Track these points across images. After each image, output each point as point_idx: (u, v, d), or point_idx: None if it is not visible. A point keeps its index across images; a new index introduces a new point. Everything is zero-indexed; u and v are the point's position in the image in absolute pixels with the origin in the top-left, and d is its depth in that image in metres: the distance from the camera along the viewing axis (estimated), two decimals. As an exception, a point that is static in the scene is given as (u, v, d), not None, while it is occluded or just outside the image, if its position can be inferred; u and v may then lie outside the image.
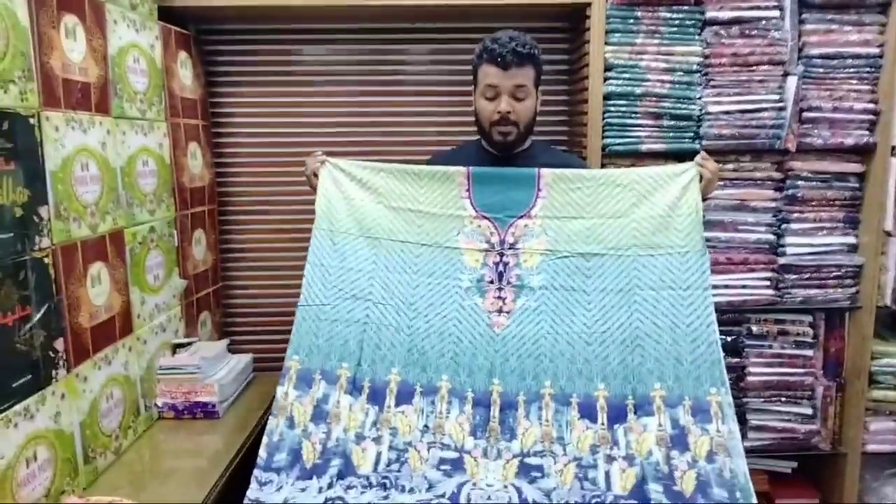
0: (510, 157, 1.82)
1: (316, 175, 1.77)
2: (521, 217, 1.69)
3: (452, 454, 1.52)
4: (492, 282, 1.66)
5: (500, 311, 1.64)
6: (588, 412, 1.54)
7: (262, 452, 1.54)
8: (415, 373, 1.62)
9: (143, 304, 1.87)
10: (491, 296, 1.65)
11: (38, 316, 1.39)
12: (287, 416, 1.58)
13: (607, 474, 1.47)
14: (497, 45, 1.69)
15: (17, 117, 1.34)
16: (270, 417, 1.59)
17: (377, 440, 1.54)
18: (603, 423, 1.53)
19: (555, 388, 1.57)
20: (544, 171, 1.70)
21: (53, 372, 1.43)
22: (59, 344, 1.46)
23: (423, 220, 1.71)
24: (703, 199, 1.65)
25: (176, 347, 2.02)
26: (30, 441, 1.34)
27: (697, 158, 1.66)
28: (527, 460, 1.50)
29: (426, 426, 1.56)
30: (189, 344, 2.04)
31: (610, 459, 1.48)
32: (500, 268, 1.67)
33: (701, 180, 1.64)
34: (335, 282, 1.70)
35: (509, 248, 1.68)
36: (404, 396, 1.60)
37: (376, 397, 1.60)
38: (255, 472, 1.51)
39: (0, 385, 1.27)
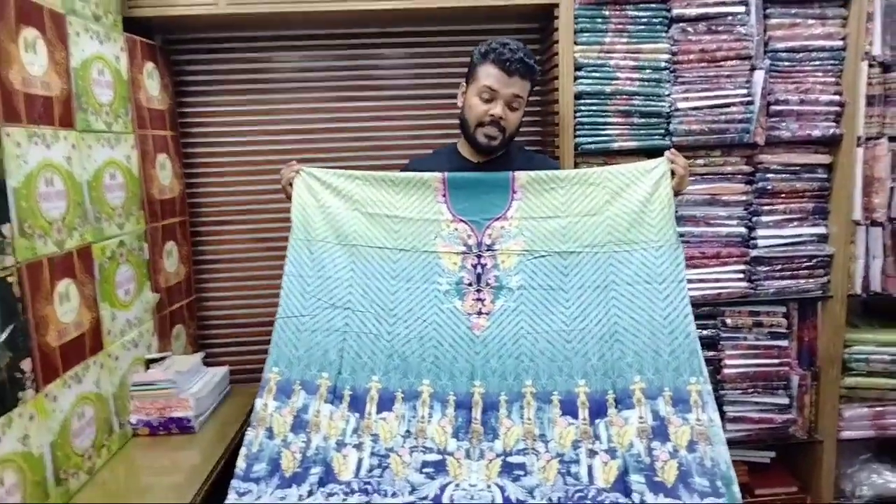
0: (485, 163, 1.83)
1: (291, 184, 1.76)
2: (498, 219, 1.70)
3: (435, 457, 1.52)
4: (470, 284, 1.67)
5: (479, 312, 1.65)
6: (569, 408, 1.55)
7: (241, 463, 1.53)
8: (396, 379, 1.61)
9: (114, 320, 1.84)
10: (470, 298, 1.66)
11: (4, 337, 1.35)
12: (266, 427, 1.57)
13: (590, 468, 1.48)
14: (506, 50, 1.69)
15: (-26, 134, 1.31)
16: (248, 429, 1.58)
17: (358, 447, 1.53)
18: (584, 419, 1.54)
19: (536, 386, 1.58)
20: (518, 173, 1.72)
21: (20, 393, 1.40)
22: (26, 364, 1.43)
23: (400, 226, 1.72)
24: (676, 195, 1.67)
25: (149, 362, 1.99)
26: (-2, 465, 1.31)
27: (668, 154, 1.68)
28: (509, 459, 1.50)
29: (408, 431, 1.56)
30: (163, 359, 2.01)
31: (592, 454, 1.50)
32: (479, 269, 1.68)
33: (673, 177, 1.66)
34: (314, 291, 1.69)
35: (487, 250, 1.68)
36: (385, 403, 1.59)
37: (357, 405, 1.59)
38: (234, 482, 1.49)
39: (-35, 409, 1.24)
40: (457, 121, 1.82)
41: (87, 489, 1.62)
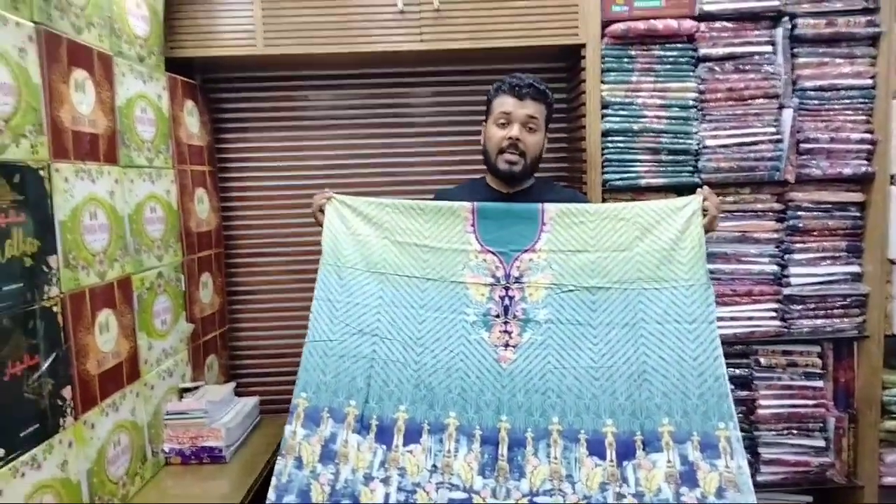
0: (514, 194, 1.86)
1: (322, 211, 1.81)
2: (526, 251, 1.71)
3: (461, 495, 1.52)
4: (497, 315, 1.67)
5: (506, 345, 1.65)
6: (597, 448, 1.54)
7: (271, 494, 1.55)
8: (422, 410, 1.62)
9: (151, 350, 1.89)
10: (497, 329, 1.67)
11: (47, 364, 1.40)
12: (295, 457, 1.59)
13: None
14: (515, 79, 1.79)
15: (27, 170, 1.38)
16: (279, 458, 1.60)
17: (385, 481, 1.54)
18: (612, 460, 1.52)
19: (563, 424, 1.57)
20: (548, 205, 1.72)
21: (61, 420, 1.44)
22: (66, 392, 1.47)
23: (429, 255, 1.73)
24: (706, 234, 1.65)
25: (183, 392, 2.03)
26: (36, 491, 1.35)
27: (704, 192, 1.66)
28: (536, 500, 1.49)
29: (434, 466, 1.55)
30: (196, 388, 2.05)
31: (619, 497, 1.48)
32: (506, 301, 1.68)
33: (705, 215, 1.65)
34: (342, 317, 1.72)
35: (514, 282, 1.69)
36: (412, 435, 1.60)
37: (384, 436, 1.60)
38: None
39: (8, 435, 1.28)
40: (482, 156, 1.87)
41: (120, 517, 1.65)
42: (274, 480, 1.56)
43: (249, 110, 2.52)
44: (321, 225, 1.80)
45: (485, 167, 1.89)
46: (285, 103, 2.52)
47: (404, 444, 1.59)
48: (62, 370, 1.46)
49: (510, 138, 1.76)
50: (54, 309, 1.44)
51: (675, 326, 1.60)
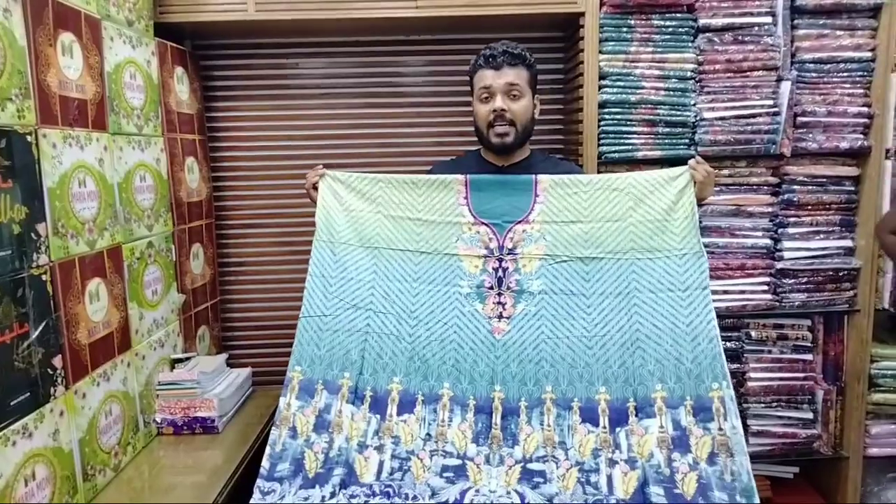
0: (509, 167, 1.84)
1: (315, 188, 1.80)
2: (520, 222, 1.70)
3: (455, 461, 1.52)
4: (491, 287, 1.68)
5: (500, 316, 1.65)
6: (590, 416, 1.55)
7: (265, 462, 1.55)
8: (416, 381, 1.63)
9: (142, 320, 1.87)
10: (491, 301, 1.67)
11: (37, 333, 1.38)
12: (290, 427, 1.60)
13: (609, 478, 1.47)
14: (488, 49, 1.77)
15: (14, 135, 1.35)
16: (273, 428, 1.60)
17: (379, 449, 1.55)
18: (605, 427, 1.53)
19: (556, 392, 1.58)
20: (541, 176, 1.72)
21: (52, 389, 1.43)
22: (57, 361, 1.45)
23: (422, 228, 1.73)
24: (700, 203, 1.66)
25: (174, 362, 2.02)
26: (28, 459, 1.34)
27: (691, 162, 1.67)
28: (529, 466, 1.51)
29: (428, 434, 1.57)
30: (187, 359, 2.04)
31: (612, 463, 1.49)
32: (500, 273, 1.68)
33: (695, 184, 1.65)
34: (336, 292, 1.71)
35: (508, 254, 1.69)
36: (406, 405, 1.60)
37: (378, 406, 1.61)
38: (258, 482, 1.51)
39: (-2, 403, 1.27)
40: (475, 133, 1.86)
41: (113, 486, 1.64)
42: (268, 450, 1.56)
43: (240, 78, 2.48)
44: (315, 202, 1.79)
45: (480, 143, 1.88)
46: (277, 71, 2.48)
47: (398, 414, 1.59)
48: (52, 339, 1.44)
49: (495, 111, 1.74)
50: (43, 277, 1.42)
51: (669, 295, 1.61)
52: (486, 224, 1.71)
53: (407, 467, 1.52)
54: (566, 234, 1.68)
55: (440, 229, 1.72)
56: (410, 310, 1.68)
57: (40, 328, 1.39)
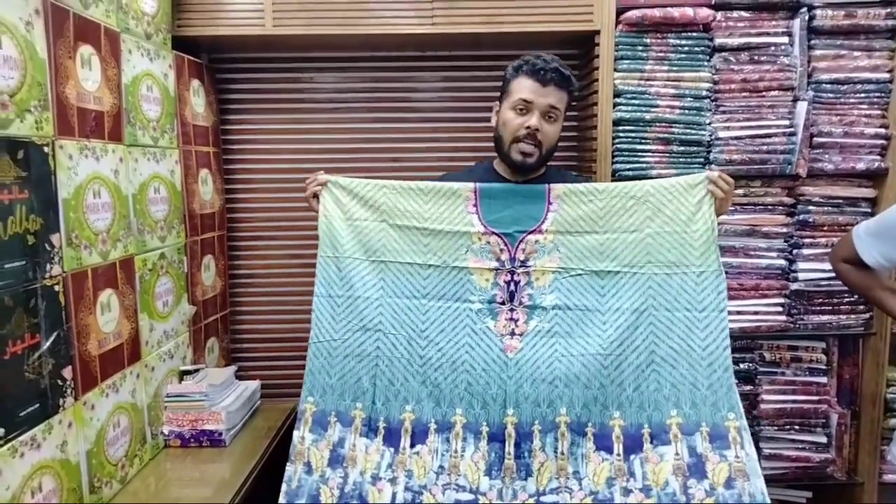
0: (523, 183, 1.78)
1: (316, 197, 1.74)
2: (532, 232, 1.65)
3: (467, 496, 1.50)
4: (503, 302, 1.63)
5: (512, 333, 1.61)
6: (604, 444, 1.52)
7: (282, 499, 1.54)
8: (429, 408, 1.59)
9: (152, 331, 1.87)
10: (503, 318, 1.63)
11: (48, 344, 1.38)
12: (304, 462, 1.58)
13: None
14: (540, 61, 1.66)
15: (31, 146, 1.36)
16: (288, 464, 1.58)
17: (392, 481, 1.53)
18: (619, 454, 1.51)
19: (570, 415, 1.54)
20: (555, 185, 1.67)
21: (61, 400, 1.43)
22: (67, 372, 1.45)
23: (430, 239, 1.68)
24: (717, 216, 1.62)
25: (183, 374, 2.01)
26: (36, 471, 1.33)
27: (711, 175, 1.61)
28: (543, 499, 1.47)
29: (441, 467, 1.53)
30: (196, 371, 2.03)
31: (626, 492, 1.46)
32: (511, 287, 1.63)
33: (715, 199, 1.60)
34: (343, 314, 1.67)
35: (520, 266, 1.64)
36: (419, 436, 1.57)
37: (391, 439, 1.58)
38: None
39: (7, 414, 1.27)
40: (492, 143, 1.80)
41: (119, 498, 1.63)
42: (284, 486, 1.55)
43: (256, 91, 2.49)
44: (316, 212, 1.74)
45: (494, 151, 1.81)
46: (292, 85, 2.49)
47: (411, 446, 1.56)
48: (63, 350, 1.44)
49: (528, 127, 1.64)
50: (56, 288, 1.42)
51: (686, 314, 1.57)
52: (496, 234, 1.66)
53: (419, 501, 1.50)
54: (581, 245, 1.63)
55: (448, 239, 1.66)
56: (420, 329, 1.64)
57: (51, 339, 1.39)
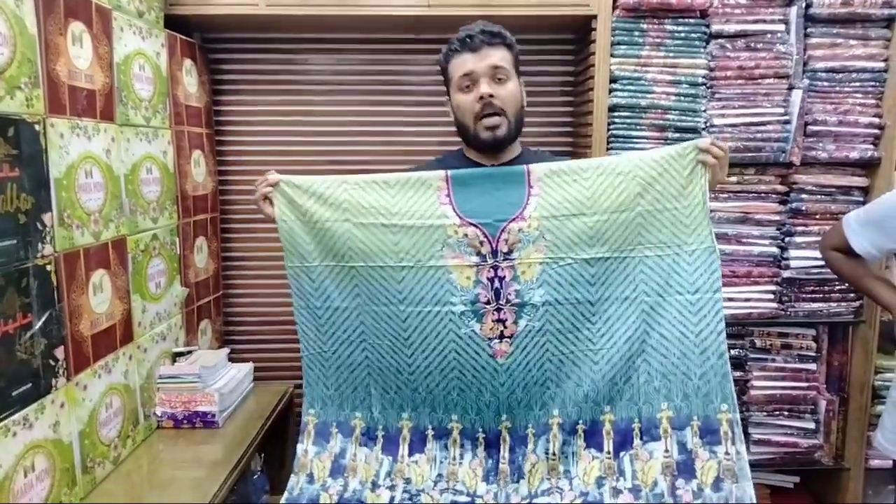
0: (498, 166, 1.64)
1: (269, 200, 1.54)
2: (514, 220, 1.48)
3: (465, 499, 1.47)
4: (488, 302, 1.48)
5: (500, 336, 1.49)
6: (595, 441, 1.48)
7: (283, 501, 1.51)
8: (425, 414, 1.54)
9: (144, 312, 1.86)
10: (489, 319, 1.49)
11: (39, 324, 1.37)
12: (307, 473, 1.54)
13: None
14: (463, 32, 1.57)
15: (22, 124, 1.34)
16: (292, 475, 1.55)
17: (391, 488, 1.50)
18: (608, 452, 1.46)
19: (562, 415, 1.50)
20: (534, 165, 1.50)
21: (53, 381, 1.42)
22: (59, 352, 1.45)
23: (400, 237, 1.49)
24: (712, 189, 1.49)
25: (176, 356, 2.01)
26: (28, 450, 1.33)
27: (703, 142, 1.45)
28: (535, 502, 1.44)
29: (440, 475, 1.50)
30: (189, 352, 2.03)
31: (616, 492, 1.42)
32: (496, 283, 1.48)
33: (708, 168, 1.46)
34: (327, 326, 1.56)
35: (504, 259, 1.48)
36: (417, 445, 1.53)
37: (390, 447, 1.54)
38: None
39: (0, 394, 1.26)
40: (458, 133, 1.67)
41: (112, 479, 1.64)
42: (286, 495, 1.51)
43: (249, 73, 2.47)
44: (269, 218, 1.55)
45: (462, 142, 1.68)
46: (285, 66, 2.47)
47: (409, 455, 1.53)
48: (55, 330, 1.43)
49: (482, 97, 1.51)
50: (48, 268, 1.41)
51: (677, 298, 1.47)
52: (474, 225, 1.48)
53: (417, 501, 1.47)
54: (568, 230, 1.47)
55: (421, 235, 1.48)
56: (403, 337, 1.51)
57: (43, 319, 1.39)
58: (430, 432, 1.54)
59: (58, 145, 1.46)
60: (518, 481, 1.47)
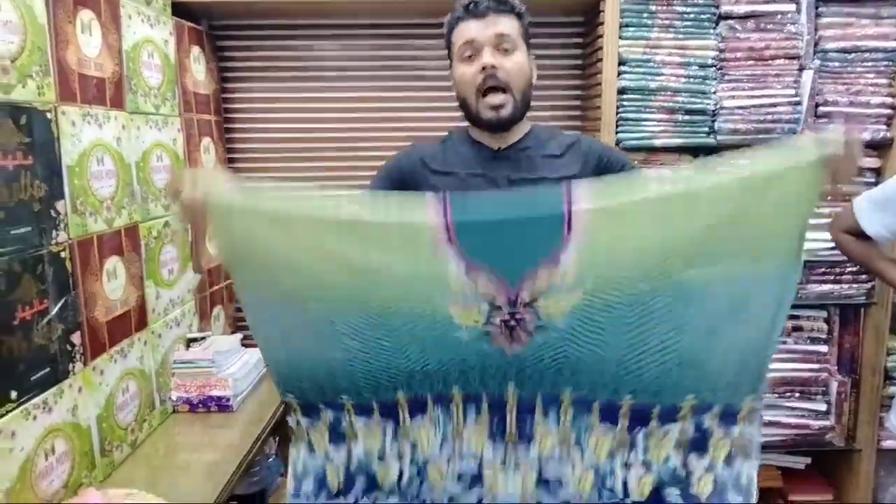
0: (505, 150, 1.47)
1: (190, 209, 1.15)
2: (544, 265, 1.12)
3: (472, 465, 1.33)
4: (501, 333, 1.22)
5: (511, 342, 1.24)
6: (609, 416, 1.33)
7: (290, 484, 1.41)
8: (423, 389, 1.31)
9: (158, 299, 1.88)
10: (501, 339, 1.23)
11: (56, 310, 1.39)
12: (306, 442, 1.39)
13: (624, 482, 1.32)
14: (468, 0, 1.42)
15: (34, 112, 1.35)
16: (291, 447, 1.43)
17: (399, 457, 1.36)
18: (623, 428, 1.34)
19: (574, 394, 1.33)
20: (577, 191, 1.09)
21: (70, 365, 1.44)
22: (75, 338, 1.46)
23: (377, 289, 1.18)
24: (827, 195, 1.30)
25: (190, 342, 2.03)
26: (48, 434, 1.35)
27: (832, 138, 1.09)
28: (545, 473, 1.32)
29: (444, 437, 1.33)
30: (203, 338, 2.05)
31: (627, 466, 1.33)
32: (512, 323, 1.20)
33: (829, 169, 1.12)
34: (296, 345, 1.29)
35: (525, 307, 1.17)
36: (417, 407, 1.32)
37: (389, 413, 1.34)
38: (288, 500, 1.40)
39: (19, 378, 1.28)
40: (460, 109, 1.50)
41: (130, 462, 1.66)
42: (291, 470, 1.41)
43: (256, 59, 2.47)
44: (188, 226, 1.25)
45: (468, 121, 1.50)
46: (294, 53, 2.47)
47: (411, 417, 1.33)
48: (71, 316, 1.45)
49: (484, 68, 1.37)
50: (62, 254, 1.43)
51: (735, 326, 1.20)
52: (486, 270, 1.13)
53: (425, 475, 1.35)
54: (617, 266, 1.13)
55: (410, 287, 1.15)
56: (391, 347, 1.25)
57: (59, 305, 1.40)
58: (429, 399, 1.31)
59: (69, 133, 1.48)
60: (529, 443, 1.30)
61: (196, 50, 2.22)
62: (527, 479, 1.32)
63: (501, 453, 1.34)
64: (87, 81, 1.56)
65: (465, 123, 1.52)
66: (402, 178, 1.51)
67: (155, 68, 1.91)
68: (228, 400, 1.92)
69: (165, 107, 1.97)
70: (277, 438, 2.12)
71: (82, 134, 1.53)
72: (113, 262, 1.64)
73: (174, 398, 1.92)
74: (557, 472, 1.32)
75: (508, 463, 1.33)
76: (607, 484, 1.31)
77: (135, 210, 1.76)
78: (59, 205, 1.43)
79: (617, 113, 2.14)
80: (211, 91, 2.33)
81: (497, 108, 1.39)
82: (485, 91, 1.39)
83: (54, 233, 1.41)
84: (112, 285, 1.63)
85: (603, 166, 1.49)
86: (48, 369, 1.36)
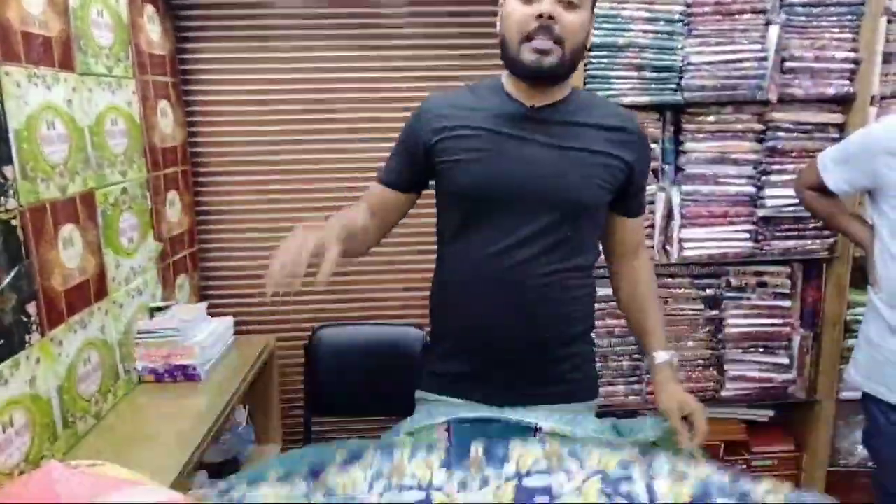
0: (540, 108, 1.29)
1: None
2: None
3: (416, 494, 1.03)
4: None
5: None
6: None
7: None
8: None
9: (118, 268, 1.83)
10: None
11: (8, 279, 1.34)
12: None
13: (649, 487, 1.02)
14: None
15: (-26, 72, 1.28)
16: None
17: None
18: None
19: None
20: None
21: (26, 336, 1.40)
22: (31, 308, 1.42)
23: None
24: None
25: (154, 311, 1.99)
26: (6, 406, 1.31)
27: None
28: (527, 482, 1.04)
29: (378, 472, 1.07)
30: (167, 307, 2.01)
31: (650, 476, 1.04)
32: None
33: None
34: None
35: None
36: (351, 459, 1.10)
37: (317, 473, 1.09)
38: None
39: (-29, 350, 1.24)
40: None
41: (95, 433, 1.63)
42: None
43: (214, 17, 2.37)
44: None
45: (504, 66, 1.31)
46: (254, 10, 2.37)
47: (340, 468, 1.09)
48: (25, 285, 1.40)
49: (541, 15, 1.18)
50: (13, 222, 1.37)
51: None
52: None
53: None
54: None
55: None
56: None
57: (12, 274, 1.35)
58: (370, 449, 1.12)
59: (14, 95, 1.40)
60: (502, 466, 1.07)
61: (150, 8, 2.12)
62: (501, 494, 1.03)
63: (460, 478, 1.06)
64: (32, 40, 1.48)
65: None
66: (415, 150, 1.37)
67: (106, 27, 1.83)
68: (195, 369, 1.89)
69: (119, 68, 1.89)
70: (247, 408, 2.10)
71: (29, 96, 1.46)
72: (69, 230, 1.58)
73: (139, 368, 1.89)
74: (545, 483, 1.04)
75: (471, 485, 1.05)
76: (622, 490, 1.02)
77: (90, 176, 1.70)
78: (7, 170, 1.37)
79: (585, 70, 2.11)
80: (167, 51, 2.25)
81: (542, 53, 1.20)
82: (532, 37, 1.20)
83: (3, 199, 1.35)
84: (69, 253, 1.58)
85: (638, 171, 1.35)
86: (2, 341, 1.32)
